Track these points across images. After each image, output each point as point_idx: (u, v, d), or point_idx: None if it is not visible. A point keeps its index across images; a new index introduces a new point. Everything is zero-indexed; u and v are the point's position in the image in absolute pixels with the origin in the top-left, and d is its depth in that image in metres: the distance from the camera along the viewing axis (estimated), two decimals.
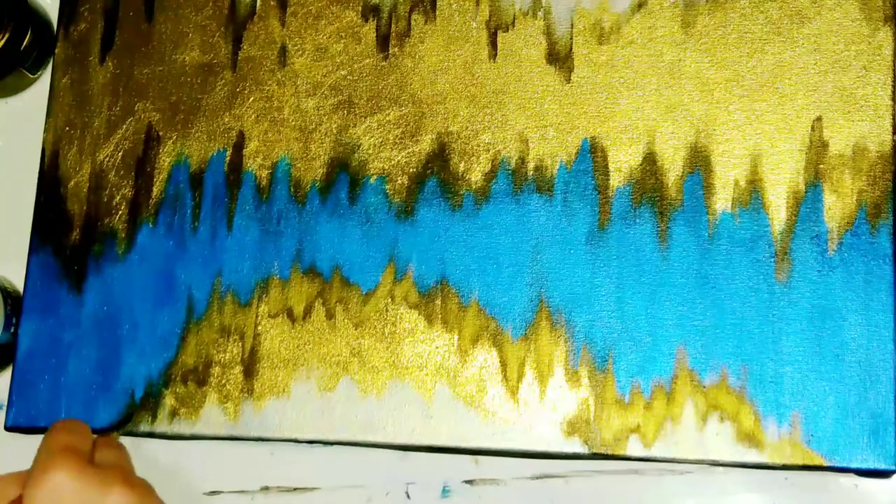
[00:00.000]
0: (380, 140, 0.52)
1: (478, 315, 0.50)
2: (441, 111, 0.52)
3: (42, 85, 0.57)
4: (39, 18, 0.56)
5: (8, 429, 0.52)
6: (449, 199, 0.51)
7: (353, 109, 0.53)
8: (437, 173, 0.52)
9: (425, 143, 0.52)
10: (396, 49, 0.53)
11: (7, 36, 0.53)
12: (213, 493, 0.52)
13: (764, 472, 0.50)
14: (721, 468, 0.49)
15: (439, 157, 0.52)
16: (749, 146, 0.50)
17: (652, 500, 0.51)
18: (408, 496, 0.51)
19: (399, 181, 0.52)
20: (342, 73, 0.53)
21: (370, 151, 0.52)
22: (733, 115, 0.50)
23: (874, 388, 0.47)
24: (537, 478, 0.50)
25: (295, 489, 0.51)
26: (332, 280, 0.51)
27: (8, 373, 0.53)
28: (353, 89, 0.53)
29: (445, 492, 0.51)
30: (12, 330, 0.53)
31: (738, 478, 0.50)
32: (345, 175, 0.52)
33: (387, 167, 0.52)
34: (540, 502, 0.50)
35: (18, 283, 0.55)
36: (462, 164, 0.52)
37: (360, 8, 0.54)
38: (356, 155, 0.52)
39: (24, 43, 0.54)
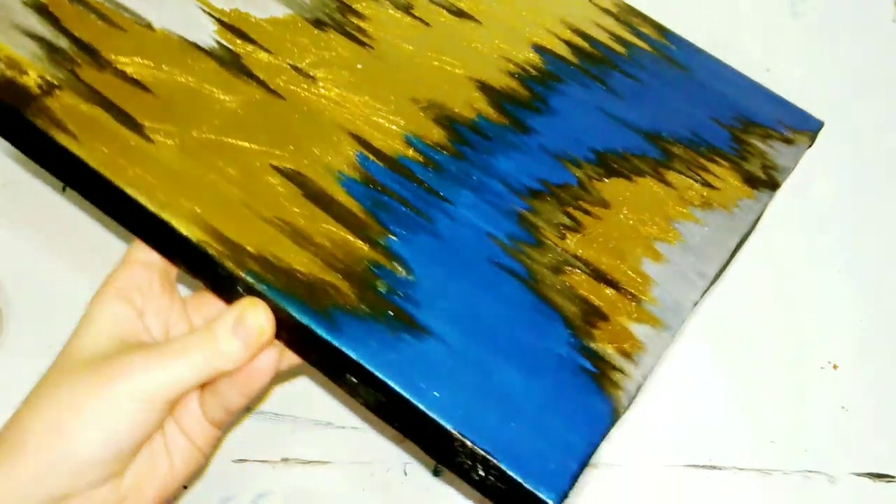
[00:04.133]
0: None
1: None
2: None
3: None
4: None
5: None
6: None
7: None
8: None
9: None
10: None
11: None
12: (240, 460, 0.55)
13: (764, 472, 0.50)
14: (721, 468, 0.50)
15: None
16: None
17: (651, 501, 0.53)
18: (405, 473, 0.55)
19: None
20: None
21: None
22: None
23: None
24: None
25: (311, 462, 0.55)
26: None
27: None
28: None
29: (437, 472, 0.56)
30: None
31: (737, 478, 0.51)
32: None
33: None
34: None
35: None
36: None
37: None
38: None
39: None
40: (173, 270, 0.46)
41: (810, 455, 0.55)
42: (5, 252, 0.59)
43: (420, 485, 0.55)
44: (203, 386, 0.43)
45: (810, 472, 0.54)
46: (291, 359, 0.44)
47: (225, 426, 0.45)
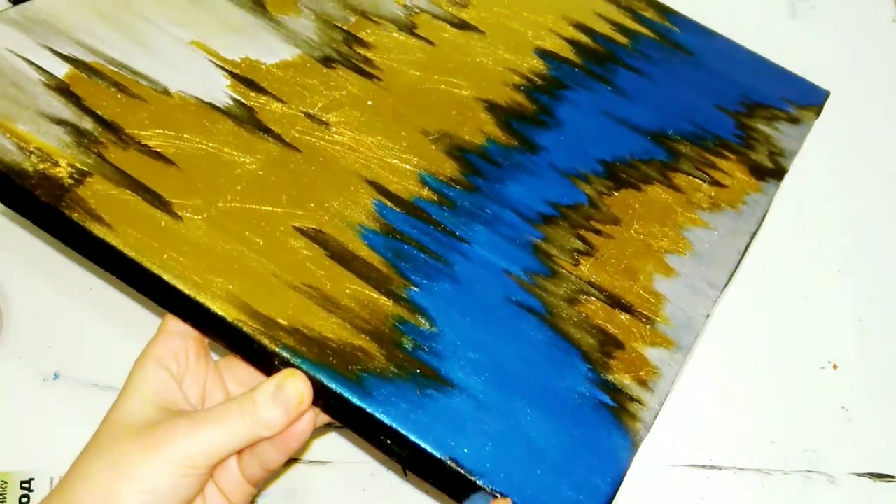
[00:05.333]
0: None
1: None
2: None
3: None
4: None
5: None
6: None
7: None
8: None
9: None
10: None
11: None
12: None
13: (764, 472, 0.52)
14: (721, 468, 0.52)
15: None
16: None
17: (651, 501, 0.55)
18: (405, 473, 0.56)
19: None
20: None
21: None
22: None
23: None
24: None
25: (311, 462, 0.56)
26: None
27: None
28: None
29: None
30: None
31: (737, 478, 0.54)
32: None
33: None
34: None
35: None
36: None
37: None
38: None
39: None
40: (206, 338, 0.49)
41: (810, 455, 0.56)
42: (5, 253, 0.61)
43: (420, 485, 0.56)
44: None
45: (810, 472, 0.56)
46: (326, 416, 0.47)
47: (261, 483, 0.48)
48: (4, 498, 0.54)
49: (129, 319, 0.58)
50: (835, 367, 0.60)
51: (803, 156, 0.59)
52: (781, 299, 0.62)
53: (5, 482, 0.54)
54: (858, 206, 0.66)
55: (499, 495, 0.40)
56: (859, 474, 0.56)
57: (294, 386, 0.43)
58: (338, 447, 0.57)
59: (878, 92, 0.71)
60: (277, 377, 0.43)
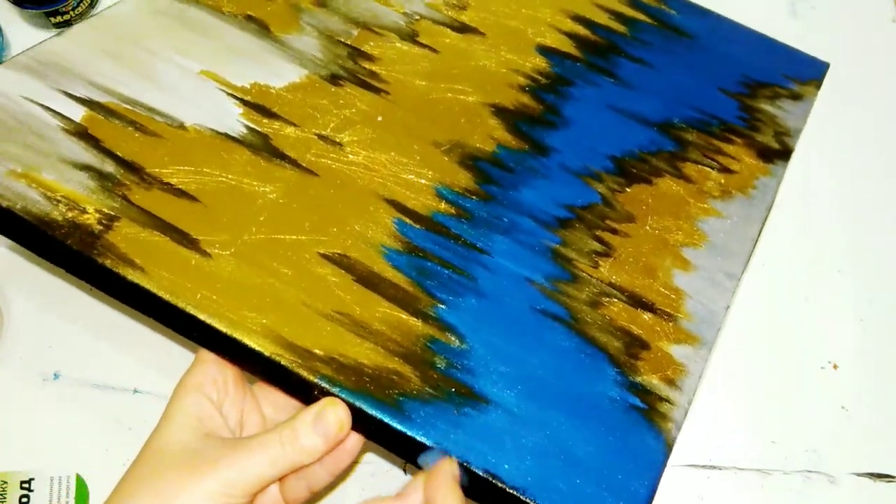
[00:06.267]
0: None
1: None
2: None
3: None
4: None
5: None
6: None
7: None
8: None
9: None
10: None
11: None
12: None
13: (764, 472, 0.53)
14: (721, 468, 0.53)
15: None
16: None
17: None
18: (405, 472, 0.56)
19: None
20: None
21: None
22: None
23: None
24: None
25: None
26: None
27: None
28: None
29: None
30: None
31: (737, 478, 0.55)
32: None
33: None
34: None
35: None
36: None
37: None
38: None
39: None
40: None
41: (810, 455, 0.57)
42: (5, 253, 0.61)
43: None
44: None
45: (810, 472, 0.56)
46: None
47: None
48: (4, 498, 0.55)
49: (129, 319, 0.59)
50: (835, 367, 0.60)
51: (804, 156, 0.59)
52: (782, 300, 0.63)
53: (5, 482, 0.55)
54: (859, 206, 0.66)
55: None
56: (859, 474, 0.56)
57: (334, 414, 0.44)
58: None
59: (878, 92, 0.71)
60: (317, 406, 0.45)
